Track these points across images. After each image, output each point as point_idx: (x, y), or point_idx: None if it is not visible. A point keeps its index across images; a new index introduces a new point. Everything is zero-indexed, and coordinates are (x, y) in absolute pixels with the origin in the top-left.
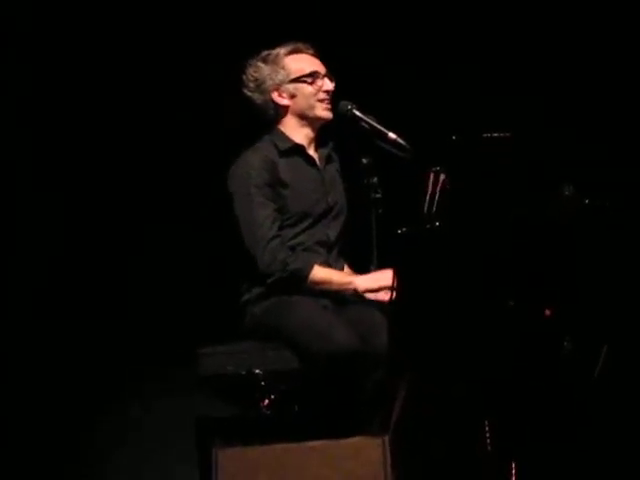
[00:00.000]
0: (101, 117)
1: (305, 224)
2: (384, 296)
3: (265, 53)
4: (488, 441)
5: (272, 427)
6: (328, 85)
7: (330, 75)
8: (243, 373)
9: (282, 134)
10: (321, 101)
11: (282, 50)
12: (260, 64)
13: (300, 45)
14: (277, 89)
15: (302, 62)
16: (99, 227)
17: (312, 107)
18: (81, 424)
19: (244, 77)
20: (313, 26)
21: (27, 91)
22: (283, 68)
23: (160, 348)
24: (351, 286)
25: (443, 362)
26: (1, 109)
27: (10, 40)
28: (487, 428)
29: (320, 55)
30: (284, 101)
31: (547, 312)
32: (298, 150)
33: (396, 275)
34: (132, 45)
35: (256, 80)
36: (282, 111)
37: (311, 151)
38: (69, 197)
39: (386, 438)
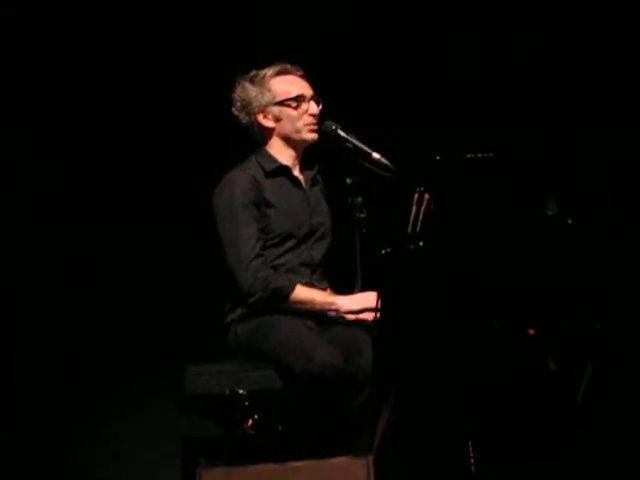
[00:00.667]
0: (96, 121)
1: (289, 244)
2: (367, 316)
3: (253, 73)
4: (472, 462)
5: (256, 447)
6: (313, 109)
7: (317, 98)
8: (227, 393)
9: (268, 155)
10: (307, 125)
11: (270, 71)
12: (247, 85)
13: (288, 66)
14: (262, 111)
15: (289, 84)
16: (90, 240)
17: (297, 130)
18: (64, 442)
19: (233, 96)
20: (301, 45)
21: (27, 93)
22: (269, 90)
23: (145, 367)
24: (334, 306)
25: (427, 382)
26: (1, 109)
27: (10, 40)
28: (471, 449)
29: (308, 76)
30: (269, 123)
31: (531, 332)
32: (283, 171)
33: (380, 295)
34: (132, 52)
35: (243, 100)
36: (267, 133)
37: (296, 172)
38: (71, 201)
39: (370, 458)
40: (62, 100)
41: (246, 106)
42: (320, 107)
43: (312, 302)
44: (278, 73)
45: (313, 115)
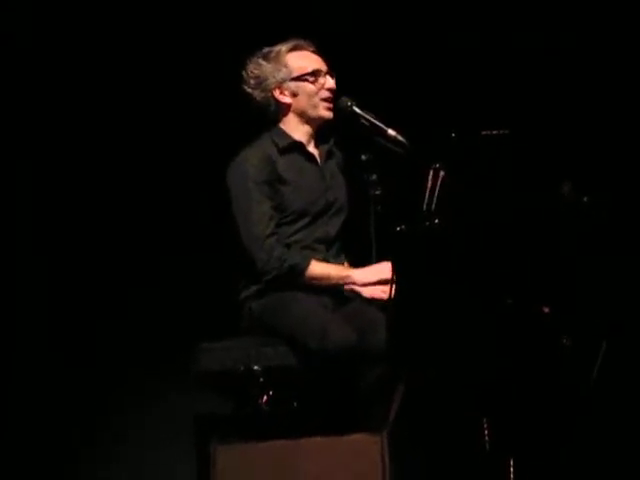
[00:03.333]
0: (100, 117)
1: (304, 221)
2: (381, 293)
3: (266, 50)
4: (486, 438)
5: (270, 424)
6: (330, 83)
7: (331, 72)
8: (241, 369)
9: (282, 131)
10: (323, 100)
11: (283, 47)
12: (261, 61)
13: (301, 42)
14: (279, 87)
15: (304, 60)
16: (98, 225)
17: (314, 106)
18: (79, 422)
19: (244, 74)
20: (312, 21)
21: (30, 97)
22: (285, 66)
23: (158, 344)
24: (349, 279)
25: (441, 359)
26: (2, 110)
27: (10, 40)
28: (485, 425)
29: (321, 52)
30: (286, 99)
31: (545, 309)
32: (297, 147)
33: (395, 271)
34: (130, 44)
35: (257, 77)
36: (283, 109)
37: (311, 148)
38: (71, 198)
39: (384, 435)
40: (69, 105)
41: (261, 83)
42: (334, 81)
43: (328, 277)
44: (292, 49)
45: (330, 89)
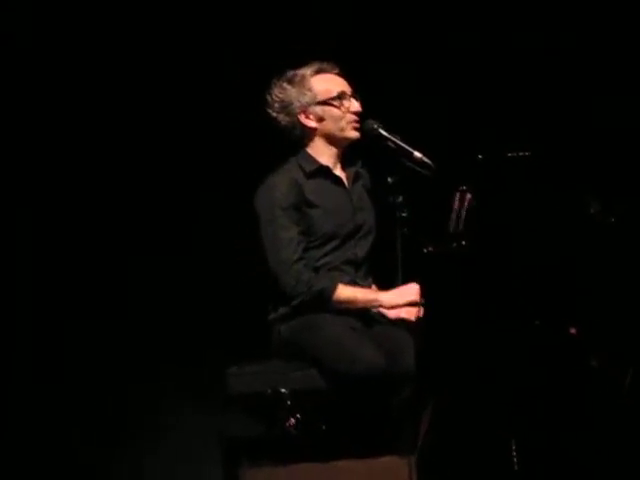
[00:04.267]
0: (100, 117)
1: (333, 244)
2: (409, 315)
3: (291, 74)
4: (515, 460)
5: (298, 447)
6: (355, 106)
7: (356, 95)
8: (269, 392)
9: (308, 156)
10: (350, 123)
11: (308, 71)
12: (286, 85)
13: (325, 65)
14: (304, 111)
15: (329, 83)
16: (129, 243)
17: (341, 129)
18: (109, 442)
19: (269, 98)
20: (336, 43)
21: (30, 97)
22: (310, 90)
23: (188, 366)
24: (376, 303)
25: (470, 381)
26: (2, 110)
27: (10, 40)
28: (514, 448)
29: (345, 74)
30: (311, 123)
31: (572, 331)
32: (324, 171)
33: (422, 292)
34: (130, 44)
35: (282, 101)
36: (309, 133)
37: (337, 171)
38: (98, 209)
39: (413, 458)
40: (76, 111)
41: (286, 107)
42: (359, 103)
43: (355, 301)
44: (317, 72)
45: (356, 113)
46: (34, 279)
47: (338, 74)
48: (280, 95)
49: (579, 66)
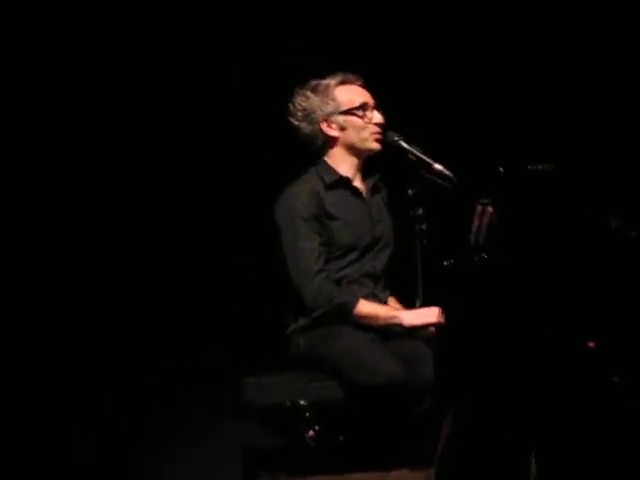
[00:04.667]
0: (100, 117)
1: (352, 256)
2: (429, 331)
3: (314, 83)
4: (534, 474)
5: (317, 458)
6: (378, 118)
7: (378, 107)
8: (288, 404)
9: (328, 166)
10: (372, 134)
11: (332, 81)
12: (309, 94)
13: (350, 76)
14: (326, 120)
15: (352, 93)
16: (147, 257)
17: (363, 140)
18: (127, 453)
19: (291, 106)
20: (358, 55)
21: (30, 97)
22: (333, 99)
23: (206, 378)
24: (396, 321)
25: (489, 394)
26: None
27: (10, 40)
28: (533, 461)
29: (369, 86)
30: (333, 132)
31: (591, 345)
32: (344, 183)
33: (442, 305)
34: (131, 44)
35: (304, 110)
36: (330, 142)
37: (357, 182)
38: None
39: (432, 471)
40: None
41: (309, 115)
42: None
43: (376, 317)
44: (341, 82)
45: (378, 124)
46: (45, 283)
47: (362, 85)
48: (303, 104)
49: (579, 66)
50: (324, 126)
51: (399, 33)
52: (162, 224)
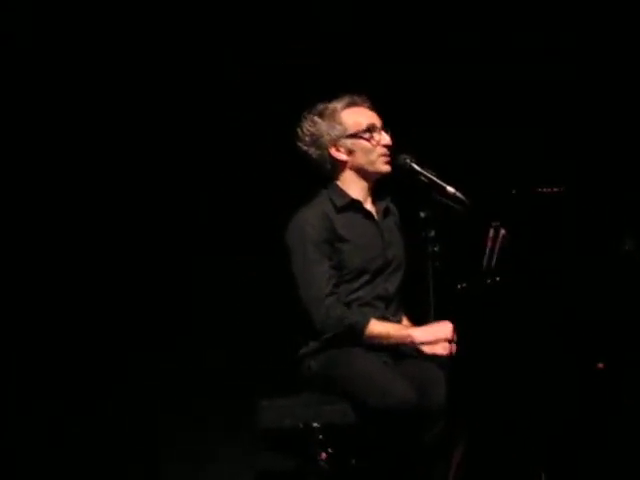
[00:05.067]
0: (100, 117)
1: (364, 279)
2: (442, 350)
3: (321, 107)
4: None
5: None
6: (386, 139)
7: (386, 128)
8: (301, 427)
9: (339, 189)
10: (381, 156)
11: (339, 105)
12: (317, 119)
13: (357, 98)
14: (334, 144)
15: (359, 116)
16: (149, 256)
17: (372, 162)
18: (141, 473)
19: (299, 131)
20: (358, 54)
21: (30, 97)
22: (340, 123)
23: (218, 401)
24: (408, 339)
25: (502, 417)
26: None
27: (10, 40)
28: None
29: (376, 108)
30: (342, 156)
31: (600, 365)
32: (355, 206)
33: (455, 329)
34: (131, 44)
35: (312, 135)
36: (339, 166)
37: (368, 205)
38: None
39: None
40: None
41: (317, 140)
42: (390, 137)
43: (387, 336)
44: (347, 105)
45: (386, 146)
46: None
47: (369, 107)
48: (311, 129)
49: (579, 66)
50: (332, 150)
51: (399, 33)
52: (162, 224)
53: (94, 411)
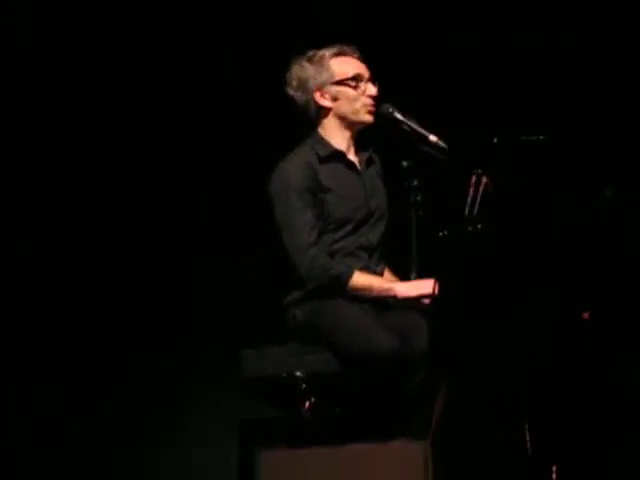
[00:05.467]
0: (100, 117)
1: (347, 229)
2: (423, 306)
3: (311, 53)
4: (529, 444)
5: (313, 430)
6: (371, 90)
7: (374, 80)
8: (284, 376)
9: (322, 139)
10: (365, 106)
11: (328, 52)
12: (305, 63)
13: (346, 48)
14: (320, 90)
15: (347, 65)
16: (142, 231)
17: (355, 111)
18: (124, 425)
19: (288, 76)
20: (352, 27)
21: (30, 97)
22: (327, 69)
23: (202, 351)
24: (391, 292)
25: (483, 364)
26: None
27: (10, 40)
28: (528, 431)
29: (365, 59)
30: (326, 102)
31: (585, 315)
32: (338, 156)
33: (437, 279)
34: (131, 44)
35: (299, 79)
36: (323, 112)
37: (351, 155)
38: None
39: (427, 442)
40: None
41: (303, 85)
42: (377, 89)
43: (370, 288)
44: (336, 54)
45: (371, 96)
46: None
47: (358, 58)
48: (298, 73)
49: (579, 66)
50: (317, 96)
51: (399, 33)
52: (162, 224)
53: (94, 411)
